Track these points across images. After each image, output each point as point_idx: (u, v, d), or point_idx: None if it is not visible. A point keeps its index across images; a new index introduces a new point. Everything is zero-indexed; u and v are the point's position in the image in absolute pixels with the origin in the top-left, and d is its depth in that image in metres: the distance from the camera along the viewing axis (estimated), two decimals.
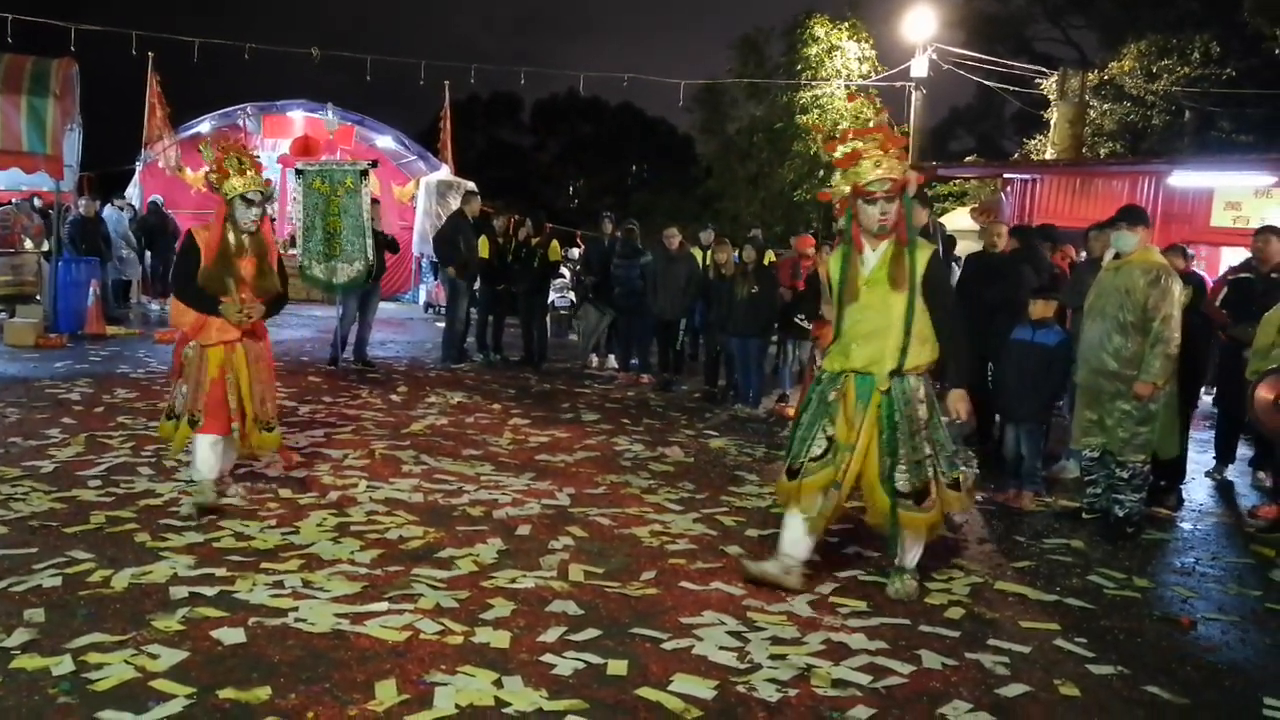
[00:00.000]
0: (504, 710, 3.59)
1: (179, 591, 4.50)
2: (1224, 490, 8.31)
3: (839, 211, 5.06)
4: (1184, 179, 15.35)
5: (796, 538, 5.04)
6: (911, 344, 4.81)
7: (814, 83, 25.13)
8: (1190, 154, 22.04)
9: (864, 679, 4.03)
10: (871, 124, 4.93)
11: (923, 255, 4.81)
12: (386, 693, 3.64)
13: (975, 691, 4.01)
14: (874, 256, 4.86)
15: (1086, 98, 23.76)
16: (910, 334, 4.80)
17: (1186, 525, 7.07)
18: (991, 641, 4.53)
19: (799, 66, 25.52)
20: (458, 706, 3.59)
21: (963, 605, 4.99)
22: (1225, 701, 4.17)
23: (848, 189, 4.80)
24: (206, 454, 5.91)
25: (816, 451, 4.94)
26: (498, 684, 3.78)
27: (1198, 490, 8.13)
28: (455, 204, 15.69)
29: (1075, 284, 8.10)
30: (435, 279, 18.72)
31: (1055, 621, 4.86)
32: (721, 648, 4.26)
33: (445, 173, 21.35)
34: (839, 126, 24.71)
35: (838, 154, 4.81)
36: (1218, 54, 23.91)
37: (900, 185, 4.75)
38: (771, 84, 26.06)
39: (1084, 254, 9.19)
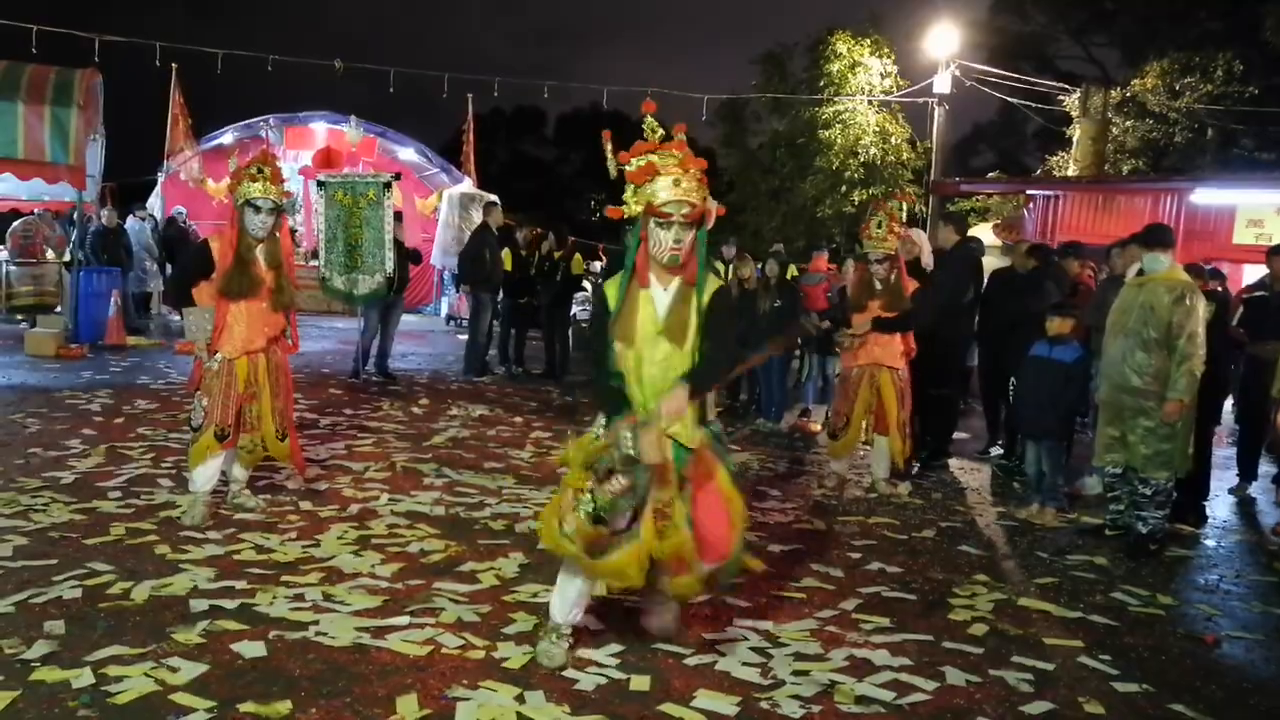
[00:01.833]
0: None
1: (199, 604, 4.50)
2: (1247, 507, 8.25)
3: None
4: (1206, 196, 15.31)
5: None
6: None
7: (837, 98, 25.12)
8: (1213, 171, 21.94)
9: (887, 695, 4.00)
10: (671, 139, 4.18)
11: (709, 289, 4.15)
12: (408, 707, 3.64)
13: (999, 709, 3.98)
14: (665, 297, 4.14)
15: (1109, 115, 23.69)
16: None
17: (1210, 542, 7.02)
18: (1015, 658, 4.50)
19: (822, 82, 25.51)
20: None
21: (986, 622, 4.95)
22: None
23: (639, 208, 4.09)
24: (215, 470, 5.95)
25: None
26: (520, 699, 3.77)
27: (1220, 507, 8.07)
28: (478, 217, 15.73)
29: (1097, 302, 8.06)
30: (457, 291, 18.74)
31: (1079, 638, 4.82)
32: (745, 664, 4.24)
33: (468, 185, 21.38)
34: (860, 142, 24.76)
35: (631, 166, 4.11)
36: (1240, 72, 23.79)
37: (699, 213, 4.07)
38: (794, 99, 26.05)
39: (1105, 271, 9.15)
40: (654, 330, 4.11)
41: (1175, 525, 6.93)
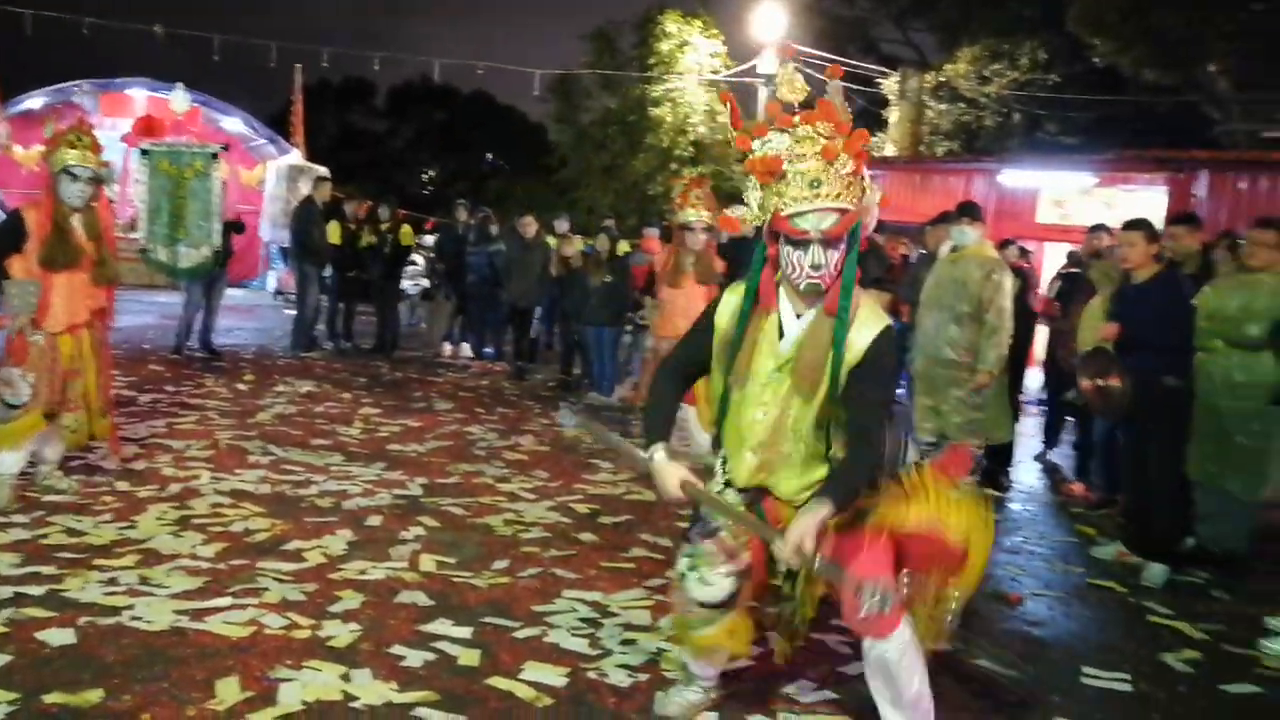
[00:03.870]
0: (352, 704, 3.56)
1: (2, 591, 4.30)
2: (1050, 472, 8.70)
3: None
4: (1013, 177, 16.07)
5: None
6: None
7: (666, 76, 25.37)
8: (1019, 154, 22.93)
9: None
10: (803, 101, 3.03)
11: (866, 329, 3.04)
12: (228, 690, 3.56)
13: (820, 670, 4.13)
14: (796, 327, 3.10)
15: (924, 98, 24.53)
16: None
17: (1015, 506, 7.40)
18: (834, 620, 4.65)
19: (651, 60, 25.73)
20: (304, 703, 3.53)
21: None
22: (1049, 673, 4.38)
23: (765, 216, 3.02)
24: (27, 451, 5.68)
25: None
26: (345, 678, 3.73)
27: (1026, 472, 8.51)
28: (306, 189, 15.38)
29: (910, 278, 8.37)
30: (284, 265, 18.28)
31: None
32: (574, 634, 4.29)
33: (296, 157, 20.84)
34: (689, 120, 25.04)
35: (755, 152, 2.98)
36: (1044, 60, 24.92)
37: (849, 223, 2.95)
38: (624, 76, 26.19)
39: (919, 249, 9.51)
40: (772, 365, 3.08)
41: (983, 490, 7.26)
